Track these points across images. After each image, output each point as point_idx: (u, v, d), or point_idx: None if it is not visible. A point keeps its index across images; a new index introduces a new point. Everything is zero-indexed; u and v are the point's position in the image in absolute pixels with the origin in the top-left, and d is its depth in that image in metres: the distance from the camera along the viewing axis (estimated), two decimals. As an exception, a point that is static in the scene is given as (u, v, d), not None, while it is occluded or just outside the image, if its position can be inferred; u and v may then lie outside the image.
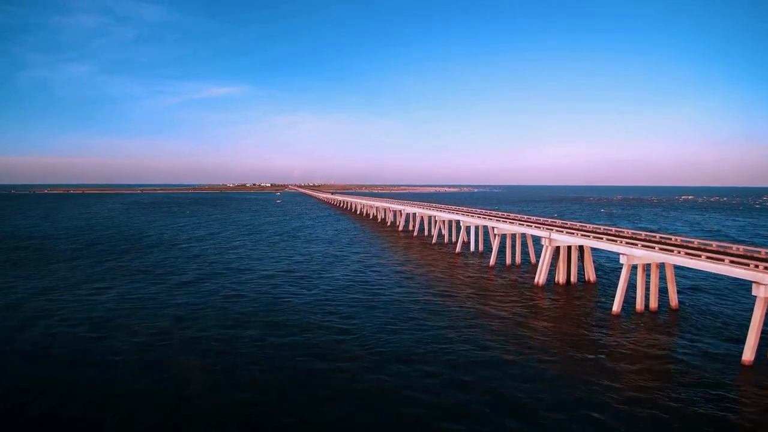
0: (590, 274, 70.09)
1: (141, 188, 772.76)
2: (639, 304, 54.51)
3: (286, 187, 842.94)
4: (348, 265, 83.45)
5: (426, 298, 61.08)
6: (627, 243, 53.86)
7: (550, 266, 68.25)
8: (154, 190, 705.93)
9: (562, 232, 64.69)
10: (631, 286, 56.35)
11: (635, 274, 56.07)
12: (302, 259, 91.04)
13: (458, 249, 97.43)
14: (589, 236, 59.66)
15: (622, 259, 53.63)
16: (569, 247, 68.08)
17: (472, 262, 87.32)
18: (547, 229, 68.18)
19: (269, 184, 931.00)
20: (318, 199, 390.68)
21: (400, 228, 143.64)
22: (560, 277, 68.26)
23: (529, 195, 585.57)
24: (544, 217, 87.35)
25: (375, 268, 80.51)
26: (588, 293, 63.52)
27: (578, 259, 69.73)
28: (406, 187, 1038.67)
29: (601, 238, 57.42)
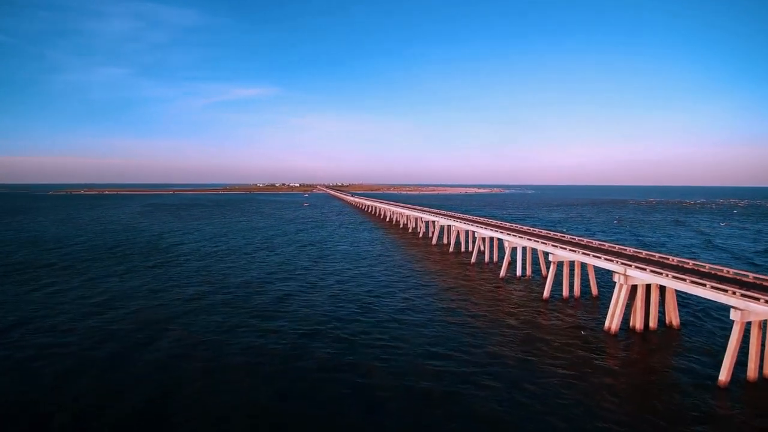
0: (673, 318, 57.48)
1: (173, 189, 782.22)
2: (751, 371, 42.11)
3: (314, 188, 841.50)
4: (370, 291, 73.03)
5: (461, 348, 49.68)
6: (742, 295, 41.39)
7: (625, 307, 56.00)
8: (185, 190, 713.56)
9: (644, 270, 52.29)
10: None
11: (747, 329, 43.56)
12: (312, 286, 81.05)
13: (503, 273, 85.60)
14: (685, 279, 47.19)
15: (735, 315, 41.21)
16: (648, 284, 55.80)
17: (520, 292, 75.38)
18: (623, 263, 55.86)
19: (298, 185, 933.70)
20: (345, 201, 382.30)
21: (434, 242, 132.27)
22: (637, 322, 55.95)
23: (566, 197, 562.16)
24: (599, 228, 74.68)
25: (404, 296, 69.77)
26: (678, 347, 51.05)
27: (659, 298, 57.25)
28: (435, 188, 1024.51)
29: (705, 285, 44.94)
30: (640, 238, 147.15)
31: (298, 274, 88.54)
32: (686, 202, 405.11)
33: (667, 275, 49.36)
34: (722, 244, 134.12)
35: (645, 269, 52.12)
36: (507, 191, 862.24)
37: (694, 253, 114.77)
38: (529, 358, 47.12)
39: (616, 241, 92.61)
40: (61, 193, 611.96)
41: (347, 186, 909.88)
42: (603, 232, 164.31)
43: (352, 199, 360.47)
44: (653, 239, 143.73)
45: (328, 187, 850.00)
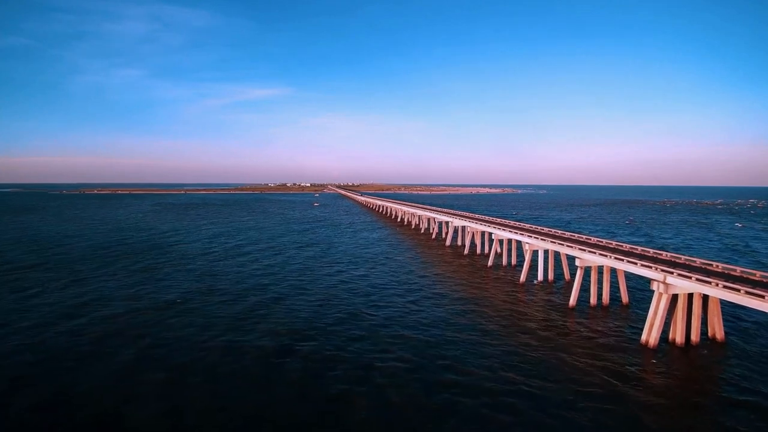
0: (717, 331, 51.29)
1: (185, 189, 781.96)
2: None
3: (325, 188, 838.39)
4: (378, 307, 67.43)
5: (471, 370, 43.79)
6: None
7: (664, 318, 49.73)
8: (197, 190, 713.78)
9: (689, 278, 46.06)
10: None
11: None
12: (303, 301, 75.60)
13: (522, 278, 79.54)
14: (738, 290, 40.93)
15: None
16: (690, 294, 49.53)
17: (542, 298, 69.39)
18: (663, 270, 49.65)
19: (309, 185, 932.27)
20: (356, 201, 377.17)
21: (447, 243, 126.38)
22: (677, 335, 49.80)
23: (579, 197, 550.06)
24: (626, 227, 68.24)
25: (409, 305, 64.10)
26: (727, 365, 44.94)
27: (701, 309, 50.92)
28: (445, 188, 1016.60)
29: (763, 297, 38.70)
30: (659, 240, 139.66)
31: (294, 278, 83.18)
32: (704, 203, 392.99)
33: (717, 284, 43.15)
34: (745, 247, 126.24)
35: (690, 277, 45.93)
36: (519, 191, 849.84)
37: (723, 257, 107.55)
38: (552, 385, 40.55)
39: (639, 244, 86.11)
40: (75, 192, 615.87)
41: (358, 186, 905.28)
42: (619, 234, 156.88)
43: (362, 198, 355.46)
44: (675, 242, 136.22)
45: (338, 186, 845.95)
